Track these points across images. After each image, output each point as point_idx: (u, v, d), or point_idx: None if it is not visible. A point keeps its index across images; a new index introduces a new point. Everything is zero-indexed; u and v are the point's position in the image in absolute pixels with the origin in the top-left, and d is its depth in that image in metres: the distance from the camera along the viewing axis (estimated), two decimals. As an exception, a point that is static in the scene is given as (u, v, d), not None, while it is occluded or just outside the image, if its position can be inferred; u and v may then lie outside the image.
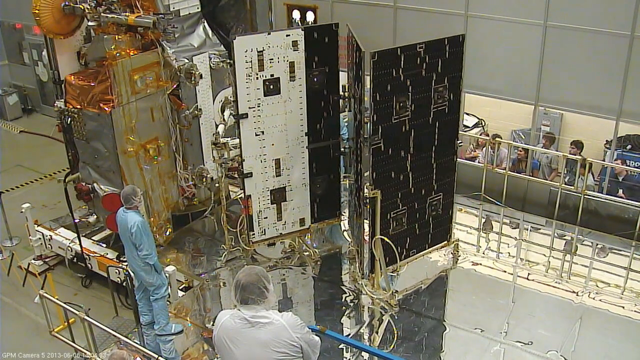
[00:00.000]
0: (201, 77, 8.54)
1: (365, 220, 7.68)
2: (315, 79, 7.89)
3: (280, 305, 7.75)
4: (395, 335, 7.14)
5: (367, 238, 7.72)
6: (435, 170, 7.73)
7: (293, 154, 8.12)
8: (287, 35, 7.59)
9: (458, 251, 8.57)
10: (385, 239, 7.47)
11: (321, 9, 11.76)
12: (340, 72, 8.13)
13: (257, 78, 7.59)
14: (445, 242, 8.36)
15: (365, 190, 7.33)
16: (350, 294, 7.98)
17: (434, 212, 7.98)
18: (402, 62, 6.92)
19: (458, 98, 7.56)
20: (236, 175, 8.52)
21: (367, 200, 7.30)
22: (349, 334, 7.27)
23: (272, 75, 7.65)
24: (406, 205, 7.68)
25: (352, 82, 7.92)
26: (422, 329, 7.26)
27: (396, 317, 7.40)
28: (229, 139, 8.24)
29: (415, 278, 8.07)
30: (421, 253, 8.15)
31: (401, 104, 7.11)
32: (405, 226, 7.78)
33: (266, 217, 8.27)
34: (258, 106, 7.71)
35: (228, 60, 8.90)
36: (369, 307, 7.70)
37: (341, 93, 8.20)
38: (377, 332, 7.22)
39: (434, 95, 7.33)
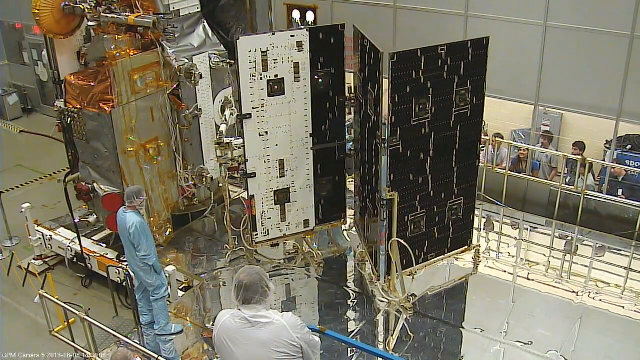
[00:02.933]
0: (201, 77, 8.53)
1: (381, 222, 7.51)
2: (320, 80, 7.84)
3: (283, 307, 7.74)
4: (411, 336, 7.11)
5: (382, 239, 7.59)
6: (456, 174, 7.56)
7: (298, 155, 8.08)
8: (291, 36, 7.56)
9: (479, 257, 8.46)
10: (402, 241, 7.34)
11: (321, 9, 11.77)
12: (345, 74, 8.04)
13: (261, 78, 7.56)
14: (466, 247, 8.18)
15: (382, 192, 7.14)
16: (355, 295, 7.97)
17: (454, 217, 7.80)
18: (422, 64, 6.79)
19: (481, 102, 7.35)
20: (236, 175, 8.51)
21: (384, 202, 7.17)
22: (353, 331, 7.26)
23: (276, 76, 7.62)
24: (425, 209, 7.52)
25: (359, 84, 7.83)
26: (435, 332, 7.22)
27: (410, 320, 7.35)
28: (232, 138, 8.23)
29: (430, 282, 7.99)
30: (440, 257, 8.00)
31: (421, 107, 6.97)
32: (424, 229, 7.62)
33: (270, 218, 8.24)
34: (262, 106, 7.69)
35: (228, 60, 8.93)
36: (384, 310, 7.62)
37: (347, 95, 8.11)
38: (392, 335, 7.17)
39: (456, 99, 7.16)
